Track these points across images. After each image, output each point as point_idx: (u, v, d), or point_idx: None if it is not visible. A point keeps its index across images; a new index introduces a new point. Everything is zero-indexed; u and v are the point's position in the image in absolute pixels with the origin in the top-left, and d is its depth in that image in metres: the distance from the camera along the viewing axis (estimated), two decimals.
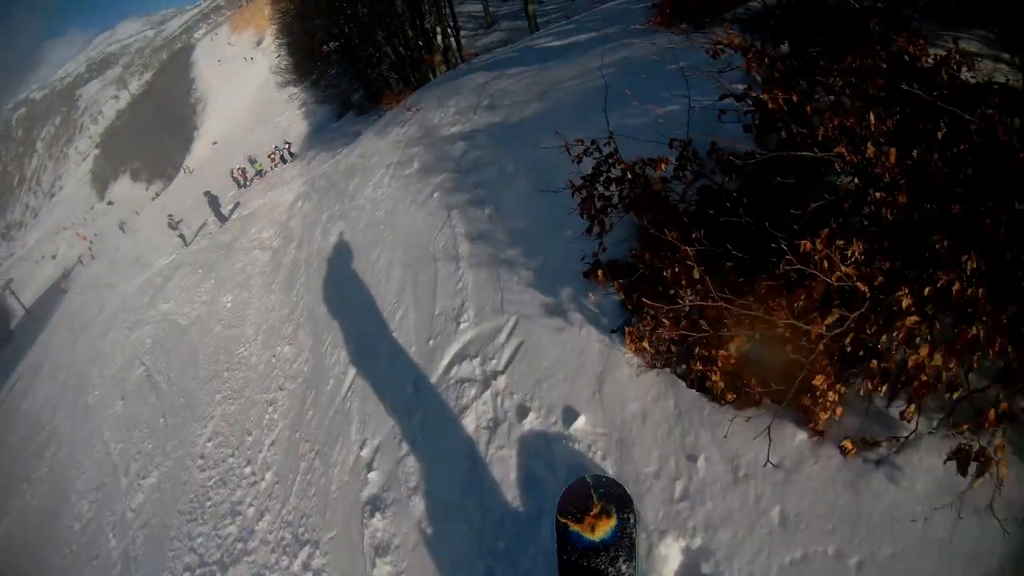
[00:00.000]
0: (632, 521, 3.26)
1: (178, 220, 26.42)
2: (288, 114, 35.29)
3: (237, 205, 26.17)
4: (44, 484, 14.25)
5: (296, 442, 7.70)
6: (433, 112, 12.23)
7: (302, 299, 10.81)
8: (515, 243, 6.42)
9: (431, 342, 6.42)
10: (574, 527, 3.25)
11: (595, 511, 3.26)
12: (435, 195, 8.65)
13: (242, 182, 31.40)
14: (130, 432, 12.53)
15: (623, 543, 3.23)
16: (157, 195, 66.07)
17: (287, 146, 30.86)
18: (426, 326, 6.66)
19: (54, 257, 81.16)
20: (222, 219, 24.79)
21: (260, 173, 31.59)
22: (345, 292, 9.35)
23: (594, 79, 7.64)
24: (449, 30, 23.25)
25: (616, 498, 3.31)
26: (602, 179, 4.78)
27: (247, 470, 8.42)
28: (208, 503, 8.56)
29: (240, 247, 18.34)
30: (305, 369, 8.84)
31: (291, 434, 7.96)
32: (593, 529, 3.24)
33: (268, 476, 7.90)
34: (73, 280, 51.59)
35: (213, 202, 25.00)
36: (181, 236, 25.89)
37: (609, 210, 4.84)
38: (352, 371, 7.51)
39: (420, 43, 22.97)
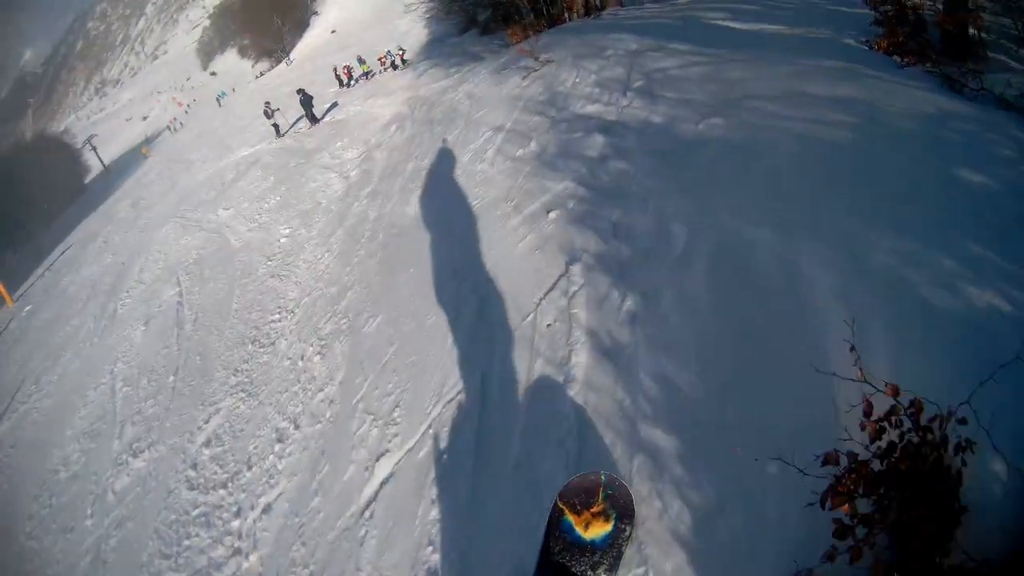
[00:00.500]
0: (627, 534, 3.17)
1: (275, 109, 24.52)
2: (409, 19, 32.79)
3: (334, 106, 24.47)
4: (50, 397, 13.06)
5: (291, 534, 5.84)
6: (566, 71, 10.83)
7: (353, 286, 9.25)
8: (670, 422, 3.99)
9: None
10: (570, 516, 3.18)
11: (596, 509, 3.18)
12: (552, 216, 6.93)
13: (345, 81, 29.76)
14: (139, 378, 11.10)
15: (610, 552, 3.13)
16: (262, 74, 64.27)
17: (401, 53, 28.58)
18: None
19: (145, 118, 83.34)
20: (313, 120, 23.11)
21: (367, 75, 29.52)
22: (401, 314, 7.59)
23: (820, 124, 5.86)
24: None
25: (620, 505, 3.19)
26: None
27: (234, 524, 6.61)
28: (186, 542, 6.84)
29: (319, 162, 16.91)
30: (327, 414, 6.99)
31: (288, 515, 6.12)
32: (587, 527, 3.15)
33: (253, 559, 6.02)
34: (156, 147, 51.27)
35: (306, 101, 23.23)
36: (275, 126, 24.17)
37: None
38: (380, 472, 5.50)
39: None
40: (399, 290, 8.06)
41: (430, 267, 7.92)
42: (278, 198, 15.71)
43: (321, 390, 7.50)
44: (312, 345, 8.55)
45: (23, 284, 27.46)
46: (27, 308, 22.41)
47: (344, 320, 8.53)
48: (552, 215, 6.87)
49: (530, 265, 6.36)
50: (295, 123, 24.34)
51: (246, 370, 9.16)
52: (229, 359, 9.72)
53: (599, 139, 7.80)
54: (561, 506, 3.19)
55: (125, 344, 12.75)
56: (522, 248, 6.78)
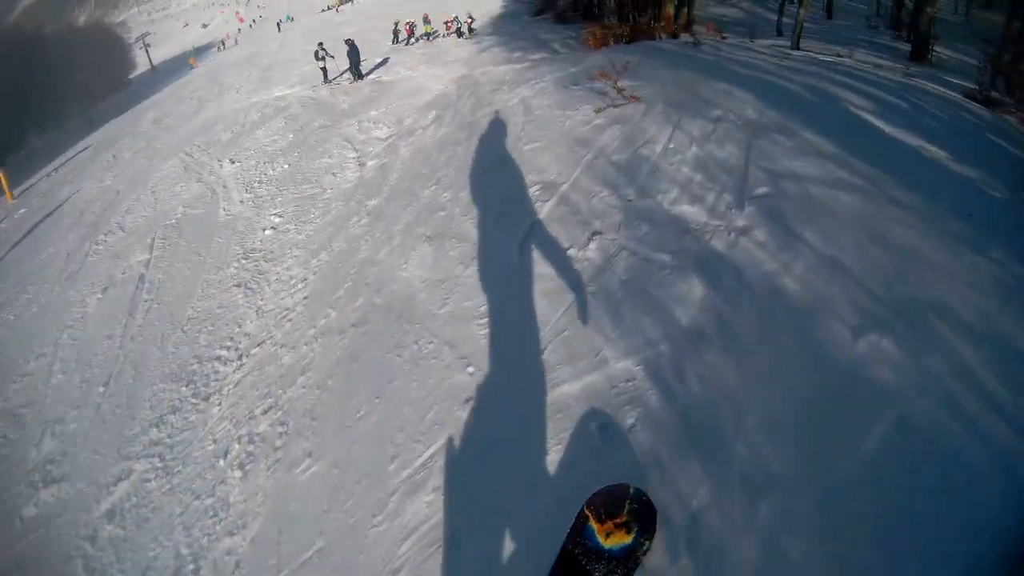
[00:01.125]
0: (645, 549, 3.27)
1: (327, 53, 22.44)
2: None
3: (384, 63, 23.07)
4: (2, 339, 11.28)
5: None
6: (655, 123, 8.93)
7: (306, 372, 7.13)
8: None
9: None
10: (593, 524, 3.29)
11: (619, 520, 3.29)
12: (611, 363, 5.04)
13: (405, 38, 27.86)
14: (76, 368, 9.29)
15: (626, 564, 3.22)
16: (328, 8, 62.35)
17: (469, 20, 26.70)
18: None
19: (205, 26, 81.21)
20: (357, 75, 21.37)
21: (429, 36, 27.74)
22: (347, 470, 5.58)
23: None
24: None
25: (644, 519, 3.32)
26: None
27: None
28: None
29: (344, 131, 15.09)
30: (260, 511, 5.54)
31: None
32: (608, 535, 3.26)
33: None
34: (205, 59, 49.93)
35: (352, 52, 21.36)
36: (324, 70, 22.25)
37: None
38: None
39: None
40: (354, 425, 5.96)
41: (395, 416, 5.71)
42: (287, 166, 13.83)
43: (230, 534, 5.61)
44: (240, 443, 6.64)
45: (34, 175, 26.63)
46: (21, 211, 21.20)
47: (281, 430, 6.52)
48: (612, 380, 4.94)
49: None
50: (342, 73, 22.49)
51: (170, 426, 7.41)
52: (159, 397, 7.96)
53: (696, 289, 5.55)
54: (587, 512, 3.31)
55: (78, 308, 10.99)
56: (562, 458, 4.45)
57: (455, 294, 6.87)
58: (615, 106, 9.95)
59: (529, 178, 8.64)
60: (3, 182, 23.87)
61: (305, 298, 8.35)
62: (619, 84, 10.29)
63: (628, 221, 6.87)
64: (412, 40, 27.49)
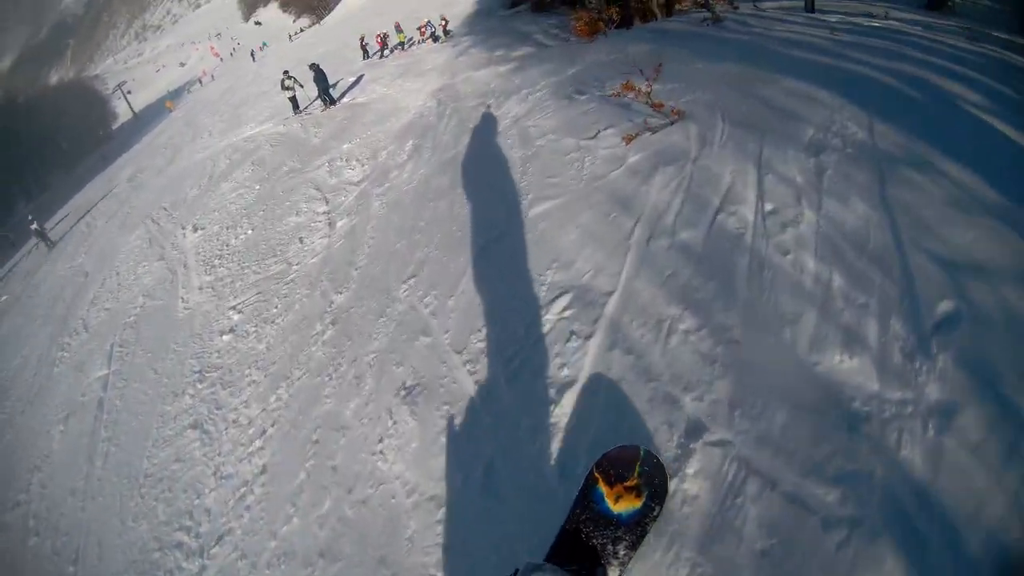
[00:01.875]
0: (655, 514, 3.14)
1: (292, 82, 20.69)
2: None
3: (358, 82, 21.24)
4: None
5: None
6: (724, 157, 6.46)
7: (280, 562, 5.10)
8: None
9: None
10: (603, 487, 3.17)
11: (629, 483, 3.16)
12: None
13: (375, 51, 26.60)
14: (48, 519, 7.76)
15: (635, 530, 3.11)
16: (299, 31, 60.89)
17: (444, 23, 24.94)
18: None
19: (182, 65, 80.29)
20: (328, 101, 19.48)
21: (402, 46, 26.41)
22: None
23: None
24: None
25: (654, 485, 3.18)
26: None
27: None
28: None
29: (314, 176, 13.18)
30: None
31: None
32: (617, 500, 3.14)
33: None
34: (183, 100, 48.43)
35: (319, 77, 19.38)
36: (293, 100, 20.59)
37: None
38: None
39: None
40: None
41: None
42: (250, 231, 11.92)
43: None
44: None
45: (16, 254, 26.86)
46: (3, 298, 20.73)
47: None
48: None
49: None
50: (313, 101, 20.65)
51: None
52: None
53: None
54: (596, 475, 3.20)
55: (44, 443, 9.41)
56: None
57: (457, 529, 4.22)
58: (652, 130, 7.38)
59: (549, 279, 5.89)
60: None
61: (262, 472, 6.18)
62: (653, 98, 7.94)
63: (742, 396, 3.94)
64: (386, 52, 26.02)
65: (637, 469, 3.16)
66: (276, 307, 8.79)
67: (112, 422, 8.74)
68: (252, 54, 51.85)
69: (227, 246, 11.76)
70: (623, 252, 5.68)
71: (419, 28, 26.11)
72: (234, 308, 9.38)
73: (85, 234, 20.91)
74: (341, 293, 8.04)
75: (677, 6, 14.76)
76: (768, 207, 5.46)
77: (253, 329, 8.63)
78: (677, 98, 8.08)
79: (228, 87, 37.07)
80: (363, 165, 12.33)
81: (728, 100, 7.59)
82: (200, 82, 55.81)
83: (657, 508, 3.11)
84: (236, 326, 8.95)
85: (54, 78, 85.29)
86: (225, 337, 8.82)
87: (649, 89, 7.95)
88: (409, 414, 5.39)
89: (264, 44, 55.32)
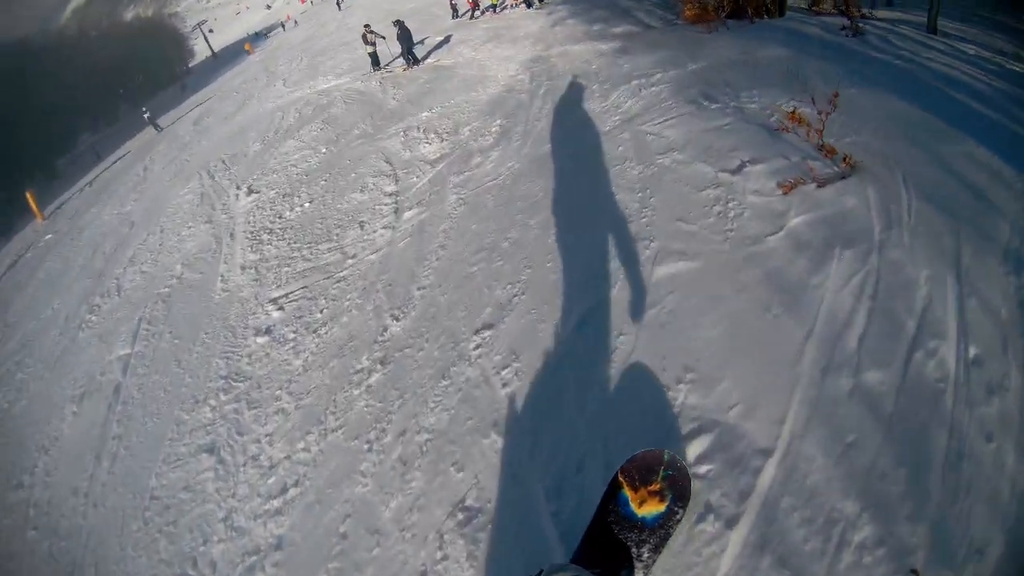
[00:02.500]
0: (678, 517, 3.15)
1: (377, 36, 19.07)
2: None
3: (445, 42, 19.45)
4: None
5: None
6: (913, 247, 4.55)
7: None
8: None
9: None
10: (627, 491, 3.19)
11: (653, 487, 3.18)
12: None
13: (469, 12, 24.74)
14: (49, 514, 6.76)
15: (659, 532, 3.13)
16: None
17: None
18: None
19: (268, 7, 78.15)
20: (411, 61, 17.92)
21: (494, 8, 24.21)
22: None
23: None
24: None
25: (677, 488, 3.18)
26: None
27: None
28: None
29: (385, 146, 11.68)
30: None
31: None
32: (641, 503, 3.16)
33: None
34: (263, 44, 47.94)
35: (404, 35, 17.85)
36: (373, 56, 19.07)
37: None
38: None
39: None
40: None
41: None
42: (308, 204, 10.50)
43: None
44: None
45: (73, 187, 26.06)
46: (47, 237, 20.05)
47: None
48: None
49: None
50: (395, 58, 19.06)
51: None
52: None
53: None
54: (621, 479, 3.20)
55: (56, 422, 8.33)
56: None
57: None
58: (818, 182, 5.39)
59: (681, 400, 3.99)
60: (32, 203, 23.42)
61: (277, 547, 4.60)
62: (824, 142, 5.84)
63: None
64: (477, 13, 24.27)
65: (661, 474, 3.14)
66: (322, 311, 7.32)
67: (126, 416, 7.55)
68: (338, 3, 50.26)
69: (280, 218, 10.38)
70: (788, 384, 3.81)
71: None
72: (275, 302, 7.92)
73: (140, 179, 19.84)
74: (398, 319, 6.42)
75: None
76: (972, 351, 3.73)
77: (292, 335, 7.17)
78: (839, 136, 6.09)
79: (310, 35, 35.98)
80: (442, 140, 10.75)
81: (905, 155, 5.59)
82: (283, 27, 55.06)
83: (680, 511, 3.11)
84: (274, 327, 7.51)
85: (131, 13, 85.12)
86: (260, 339, 7.39)
87: (822, 127, 5.85)
88: (464, 553, 3.80)
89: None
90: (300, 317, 7.33)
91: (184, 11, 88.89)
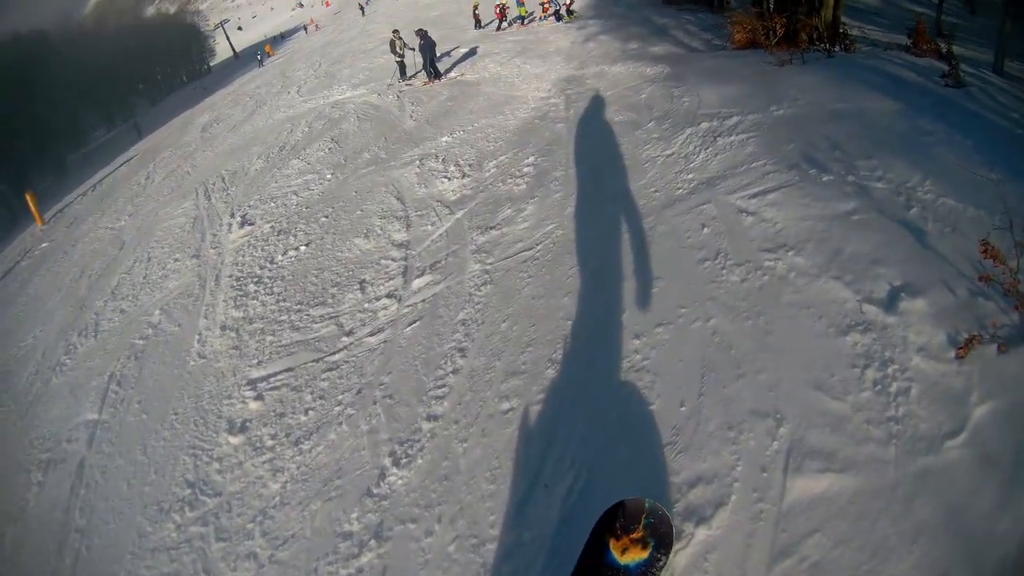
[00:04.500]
0: (661, 564, 3.07)
1: (405, 44, 17.65)
2: None
3: (471, 54, 18.20)
4: None
5: None
6: None
7: None
8: None
9: None
10: (609, 538, 3.11)
11: (635, 535, 3.11)
12: None
13: (489, 21, 23.57)
14: None
15: None
16: None
17: (569, 2, 21.58)
18: None
19: (301, 6, 77.34)
20: (432, 74, 16.54)
21: (523, 19, 23.27)
22: None
23: None
24: None
25: (660, 535, 3.11)
26: None
27: None
28: None
29: (395, 179, 10.22)
30: None
31: None
32: (624, 551, 3.09)
33: None
34: (284, 46, 47.22)
35: (426, 48, 16.45)
36: (400, 64, 17.71)
37: None
38: None
39: None
40: None
41: None
42: (303, 247, 9.00)
43: None
44: None
45: (78, 188, 24.70)
46: (44, 245, 18.57)
47: None
48: None
49: None
50: (417, 72, 17.56)
51: None
52: None
53: None
54: (602, 527, 3.11)
55: (24, 486, 6.91)
56: None
57: None
58: (1002, 342, 3.62)
59: None
60: (32, 205, 21.93)
61: None
62: (1010, 273, 3.87)
63: None
64: (504, 24, 22.99)
65: (643, 521, 3.07)
66: (307, 412, 5.81)
67: (88, 506, 6.20)
68: (361, 7, 48.96)
69: (271, 263, 8.90)
70: None
71: (542, 3, 22.89)
72: (254, 386, 6.41)
73: (140, 188, 18.53)
74: (399, 463, 4.76)
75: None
76: None
77: (270, 442, 5.65)
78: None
79: (330, 40, 34.82)
80: (463, 176, 9.35)
81: None
82: (305, 30, 54.19)
83: (663, 558, 3.02)
84: (250, 423, 6.01)
85: (153, 8, 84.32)
86: (233, 440, 5.90)
87: (1016, 266, 3.98)
88: None
89: (364, 4, 52.40)
90: (281, 416, 5.78)
91: (208, 9, 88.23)
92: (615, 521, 3.12)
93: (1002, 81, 9.44)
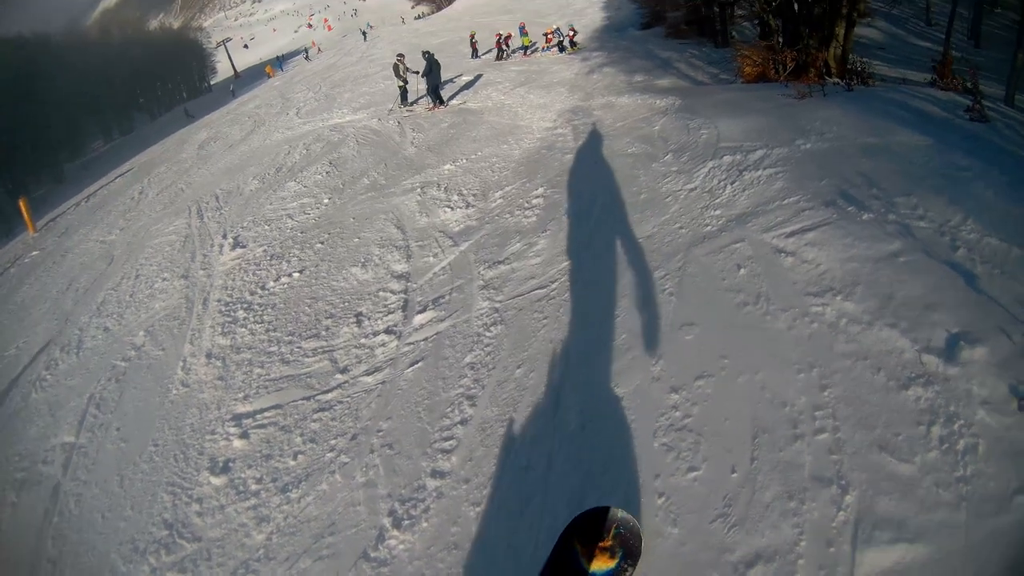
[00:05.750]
0: (628, 575, 3.03)
1: (408, 68, 17.13)
2: None
3: (475, 81, 18.13)
4: None
5: None
6: None
7: None
8: None
9: None
10: (577, 546, 3.08)
11: (604, 544, 3.08)
12: None
13: (486, 51, 23.81)
14: None
15: None
16: (420, 16, 58.66)
17: (572, 33, 21.97)
18: None
19: (296, 31, 78.77)
20: (436, 100, 16.25)
21: (526, 49, 23.26)
22: None
23: None
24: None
25: (628, 546, 3.09)
26: None
27: None
28: None
29: (395, 207, 9.80)
30: None
31: None
32: (591, 558, 3.06)
33: None
34: (286, 68, 47.13)
35: (432, 71, 16.09)
36: (402, 89, 17.19)
37: None
38: None
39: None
40: None
41: None
42: (297, 274, 8.51)
43: None
44: None
45: (73, 198, 24.12)
46: (33, 254, 17.77)
47: None
48: None
49: None
50: (420, 97, 17.28)
51: None
52: None
53: None
54: (571, 534, 3.07)
55: None
56: None
57: None
58: None
59: None
60: (25, 212, 21.47)
61: None
62: None
63: None
64: (505, 54, 22.91)
65: (612, 531, 3.04)
66: (295, 457, 5.32)
67: (61, 535, 5.69)
68: (364, 33, 49.03)
69: (262, 289, 8.43)
70: None
71: (546, 34, 23.15)
72: (238, 422, 5.92)
73: (134, 202, 17.96)
74: (400, 525, 4.26)
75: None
76: None
77: (255, 487, 5.17)
78: None
79: (332, 63, 34.45)
80: (467, 206, 8.98)
81: None
82: (306, 53, 54.08)
83: (630, 568, 3.00)
84: (233, 463, 5.51)
85: (158, 23, 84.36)
86: (215, 480, 5.41)
87: None
88: None
89: (366, 31, 52.60)
90: (268, 458, 5.29)
91: (211, 27, 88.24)
92: (584, 528, 3.09)
93: (1017, 113, 9.28)
